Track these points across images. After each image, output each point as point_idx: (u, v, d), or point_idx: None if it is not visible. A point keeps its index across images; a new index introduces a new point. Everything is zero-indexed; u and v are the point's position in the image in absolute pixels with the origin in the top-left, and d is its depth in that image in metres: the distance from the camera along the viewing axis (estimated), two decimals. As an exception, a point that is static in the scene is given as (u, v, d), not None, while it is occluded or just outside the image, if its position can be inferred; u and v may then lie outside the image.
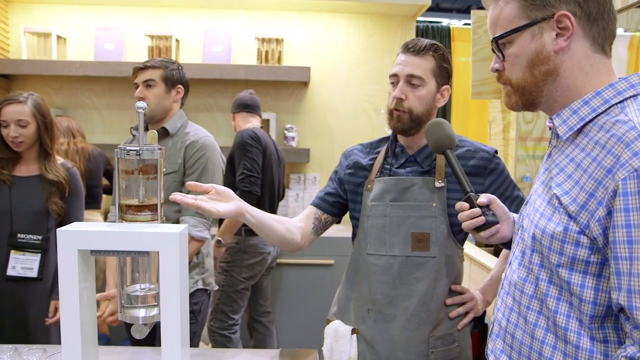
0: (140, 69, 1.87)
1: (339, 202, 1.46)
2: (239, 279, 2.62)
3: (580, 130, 0.88)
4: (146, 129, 1.87)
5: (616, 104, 0.85)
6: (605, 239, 0.80)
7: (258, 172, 2.53)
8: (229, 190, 1.25)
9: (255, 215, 1.30)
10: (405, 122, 1.34)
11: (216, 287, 1.96)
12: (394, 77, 1.36)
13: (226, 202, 1.22)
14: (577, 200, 0.83)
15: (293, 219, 1.46)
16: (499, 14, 0.92)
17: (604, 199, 0.79)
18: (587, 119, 0.86)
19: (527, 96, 0.93)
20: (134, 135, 1.91)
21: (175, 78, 1.90)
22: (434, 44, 1.35)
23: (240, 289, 2.64)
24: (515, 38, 0.90)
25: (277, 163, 2.74)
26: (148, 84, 1.86)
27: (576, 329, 0.84)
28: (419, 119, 1.34)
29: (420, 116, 1.34)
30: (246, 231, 2.60)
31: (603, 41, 0.88)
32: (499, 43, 0.92)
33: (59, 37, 3.33)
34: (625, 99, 0.85)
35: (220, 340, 2.64)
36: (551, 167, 0.91)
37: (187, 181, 1.77)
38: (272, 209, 2.75)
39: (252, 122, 2.77)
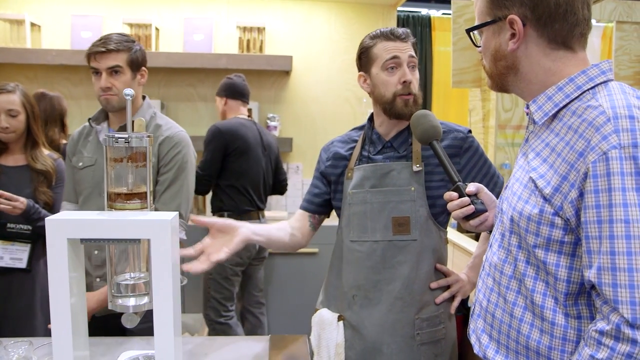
0: (100, 52, 1.61)
1: (326, 200, 1.50)
2: (226, 265, 2.62)
3: (555, 115, 0.92)
4: (106, 117, 1.74)
5: (588, 89, 0.89)
6: (578, 220, 0.84)
7: (208, 171, 2.60)
8: (230, 222, 1.34)
9: (262, 233, 1.40)
10: (411, 106, 1.35)
11: (185, 281, 1.91)
12: (394, 60, 1.35)
13: (228, 240, 1.31)
14: (551, 183, 0.86)
15: (290, 220, 1.54)
16: (475, 5, 0.98)
17: (576, 181, 0.83)
18: (561, 105, 0.90)
19: (496, 82, 0.99)
20: (91, 127, 1.74)
21: (140, 60, 1.69)
22: (409, 31, 1.40)
23: (229, 276, 2.65)
24: (484, 31, 0.96)
25: (261, 153, 2.73)
26: (114, 70, 1.63)
27: (552, 307, 0.88)
28: (418, 101, 1.38)
29: (419, 98, 1.37)
30: (228, 216, 2.60)
31: (563, 39, 0.91)
32: (473, 33, 0.98)
33: (33, 25, 3.24)
34: (597, 85, 0.89)
35: (219, 328, 2.65)
36: (528, 151, 0.95)
37: (161, 179, 1.66)
38: (261, 201, 2.76)
39: (241, 112, 2.77)
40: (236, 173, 2.65)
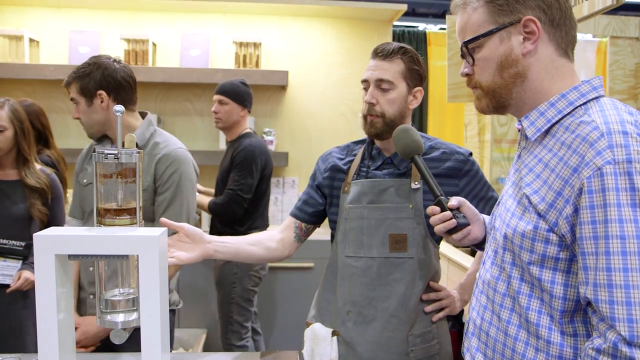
0: (66, 86, 1.62)
1: (318, 210, 1.49)
2: (249, 288, 2.56)
3: (547, 131, 0.91)
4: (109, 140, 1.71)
5: (580, 105, 0.89)
6: (573, 236, 0.83)
7: (249, 193, 2.51)
8: (199, 232, 1.32)
9: (226, 250, 1.37)
10: (378, 126, 1.36)
11: (180, 304, 1.82)
12: (365, 82, 1.38)
13: (192, 248, 1.29)
14: (545, 199, 0.86)
15: (273, 231, 1.51)
16: (467, 19, 0.96)
17: (570, 197, 0.82)
18: (554, 121, 0.90)
19: (497, 98, 0.96)
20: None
21: (92, 85, 1.58)
22: (402, 47, 1.37)
23: (251, 297, 2.60)
24: (484, 42, 0.94)
25: (271, 162, 2.71)
26: (74, 101, 1.62)
27: (547, 325, 0.87)
28: (392, 122, 1.35)
29: (393, 119, 1.36)
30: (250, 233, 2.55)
31: (566, 45, 0.93)
32: (469, 47, 0.96)
33: (31, 40, 3.26)
34: (589, 101, 0.89)
35: (239, 351, 2.58)
36: (521, 167, 0.95)
37: (159, 199, 1.62)
38: (267, 218, 2.73)
39: (249, 124, 2.74)
40: (258, 196, 2.59)
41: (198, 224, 2.62)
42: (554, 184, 0.85)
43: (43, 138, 2.67)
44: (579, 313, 0.86)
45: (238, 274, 2.54)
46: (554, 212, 0.84)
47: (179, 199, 1.64)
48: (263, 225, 2.66)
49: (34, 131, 2.59)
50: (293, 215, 1.51)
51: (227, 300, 2.57)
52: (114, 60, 1.64)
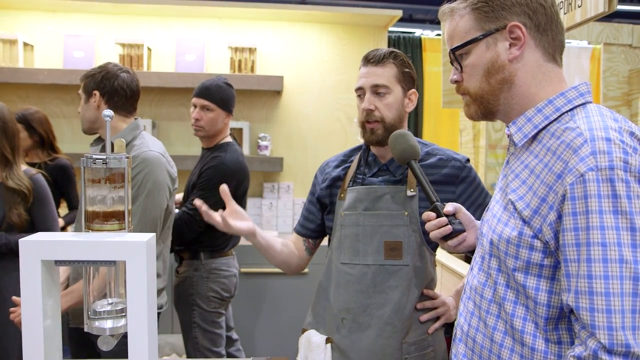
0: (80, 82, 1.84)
1: (320, 225, 1.51)
2: (209, 310, 2.25)
3: (534, 137, 0.92)
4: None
5: (566, 111, 0.89)
6: (557, 243, 0.83)
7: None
8: (244, 213, 1.37)
9: (262, 238, 1.41)
10: (379, 133, 1.36)
11: (166, 306, 1.77)
12: (360, 90, 1.38)
13: (241, 221, 1.34)
14: (530, 205, 0.86)
15: (289, 241, 1.55)
16: (455, 27, 0.96)
17: (554, 203, 0.82)
18: (541, 127, 0.90)
19: (485, 105, 0.96)
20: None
21: (91, 85, 1.76)
22: (392, 52, 1.38)
23: (215, 320, 2.28)
24: (471, 49, 0.94)
25: (247, 181, 2.38)
26: (79, 97, 1.82)
27: (532, 332, 0.87)
28: (392, 127, 1.35)
29: (392, 124, 1.36)
30: (205, 254, 2.24)
31: (553, 51, 0.93)
32: (457, 54, 0.96)
33: (25, 44, 3.25)
34: (575, 107, 0.89)
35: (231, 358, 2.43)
36: (508, 173, 0.95)
37: None
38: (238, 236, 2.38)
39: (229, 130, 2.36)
40: None
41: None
42: (539, 190, 0.85)
43: (47, 144, 2.71)
44: (564, 320, 0.86)
45: (193, 294, 2.24)
46: (538, 219, 0.84)
47: (139, 200, 1.67)
48: (215, 248, 2.28)
49: (37, 137, 2.64)
50: (298, 232, 1.54)
51: (189, 324, 2.26)
52: (121, 69, 1.80)
